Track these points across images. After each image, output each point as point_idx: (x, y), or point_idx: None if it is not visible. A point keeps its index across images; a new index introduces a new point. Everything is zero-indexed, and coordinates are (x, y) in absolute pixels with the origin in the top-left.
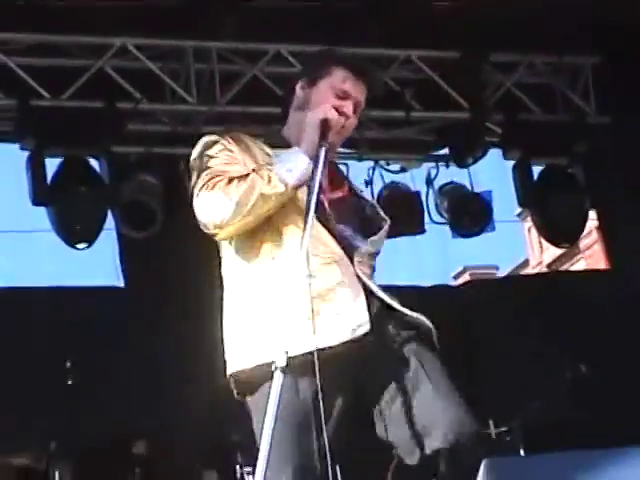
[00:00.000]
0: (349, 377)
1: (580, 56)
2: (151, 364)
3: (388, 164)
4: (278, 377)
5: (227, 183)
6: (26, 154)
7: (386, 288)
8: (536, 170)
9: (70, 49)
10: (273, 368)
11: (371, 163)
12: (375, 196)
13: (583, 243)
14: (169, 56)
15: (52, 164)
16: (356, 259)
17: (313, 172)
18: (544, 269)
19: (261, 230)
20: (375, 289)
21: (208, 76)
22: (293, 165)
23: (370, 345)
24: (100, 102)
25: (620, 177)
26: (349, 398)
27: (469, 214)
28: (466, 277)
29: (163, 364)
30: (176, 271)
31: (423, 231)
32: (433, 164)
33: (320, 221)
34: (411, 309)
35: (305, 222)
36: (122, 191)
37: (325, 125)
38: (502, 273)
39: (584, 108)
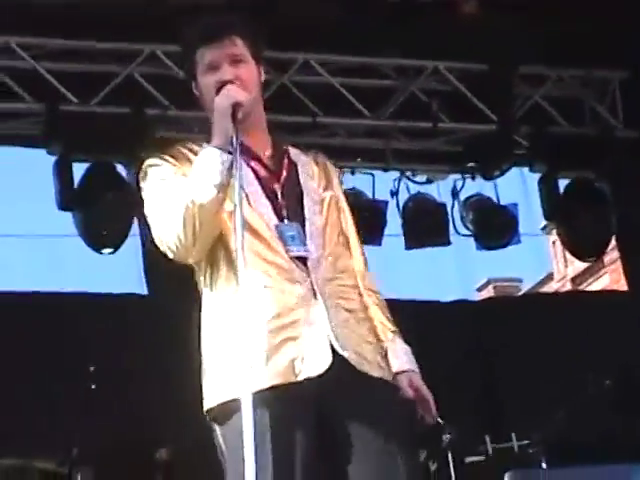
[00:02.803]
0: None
1: (608, 70)
2: (174, 371)
3: (414, 175)
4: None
5: (172, 206)
6: (53, 159)
7: (404, 303)
8: (562, 183)
9: (99, 55)
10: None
11: (397, 174)
12: (401, 207)
13: (608, 257)
14: None
15: (79, 169)
16: (312, 271)
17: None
18: (568, 283)
19: (216, 251)
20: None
21: None
22: (210, 164)
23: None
24: (128, 108)
25: None
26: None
27: (495, 226)
28: (490, 289)
29: (186, 372)
30: None
31: (448, 243)
32: (459, 176)
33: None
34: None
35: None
36: None
37: (236, 108)
38: (526, 286)
39: (612, 122)
